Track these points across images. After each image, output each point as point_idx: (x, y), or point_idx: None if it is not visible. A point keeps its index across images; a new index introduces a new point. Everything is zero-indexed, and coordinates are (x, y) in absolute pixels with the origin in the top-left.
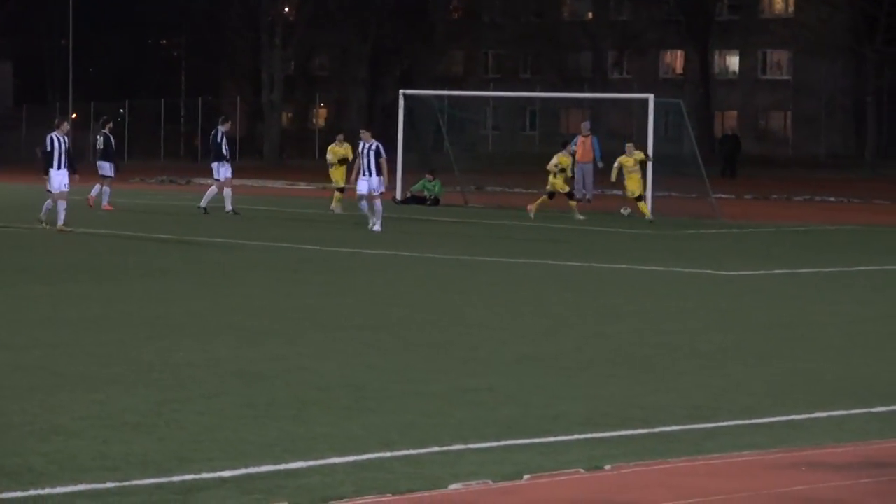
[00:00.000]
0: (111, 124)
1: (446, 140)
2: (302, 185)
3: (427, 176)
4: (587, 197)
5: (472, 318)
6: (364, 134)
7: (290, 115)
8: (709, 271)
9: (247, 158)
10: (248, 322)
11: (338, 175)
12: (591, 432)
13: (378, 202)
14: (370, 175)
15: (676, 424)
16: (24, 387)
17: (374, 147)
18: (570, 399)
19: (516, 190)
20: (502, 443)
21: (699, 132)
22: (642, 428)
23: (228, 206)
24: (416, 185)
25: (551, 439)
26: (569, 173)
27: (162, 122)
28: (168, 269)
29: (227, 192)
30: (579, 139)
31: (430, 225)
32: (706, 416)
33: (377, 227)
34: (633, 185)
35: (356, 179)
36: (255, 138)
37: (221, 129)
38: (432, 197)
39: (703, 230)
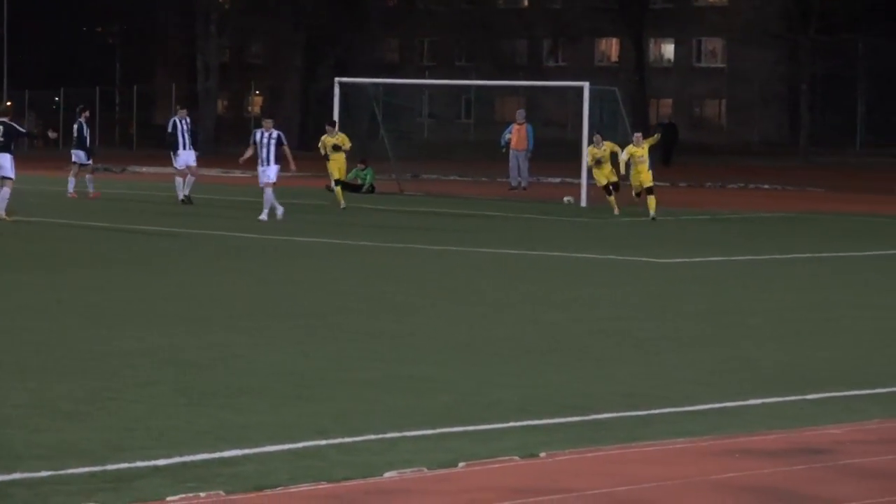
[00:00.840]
0: (87, 113)
1: (382, 128)
2: (237, 174)
3: (359, 164)
4: (522, 185)
5: (407, 305)
6: (266, 122)
7: (225, 103)
8: (644, 259)
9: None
10: (183, 310)
11: (333, 167)
12: (526, 420)
13: (269, 191)
14: (268, 164)
15: (611, 412)
16: None
17: (275, 136)
18: (504, 386)
19: (452, 177)
20: (437, 430)
21: (634, 120)
22: (577, 415)
23: (182, 194)
24: (349, 174)
25: (486, 427)
26: (606, 162)
27: (97, 110)
28: (102, 257)
29: (179, 180)
30: (514, 127)
31: (365, 213)
32: (640, 403)
33: (263, 217)
34: (643, 178)
35: (245, 160)
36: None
37: (175, 118)
38: (366, 185)
39: (638, 217)
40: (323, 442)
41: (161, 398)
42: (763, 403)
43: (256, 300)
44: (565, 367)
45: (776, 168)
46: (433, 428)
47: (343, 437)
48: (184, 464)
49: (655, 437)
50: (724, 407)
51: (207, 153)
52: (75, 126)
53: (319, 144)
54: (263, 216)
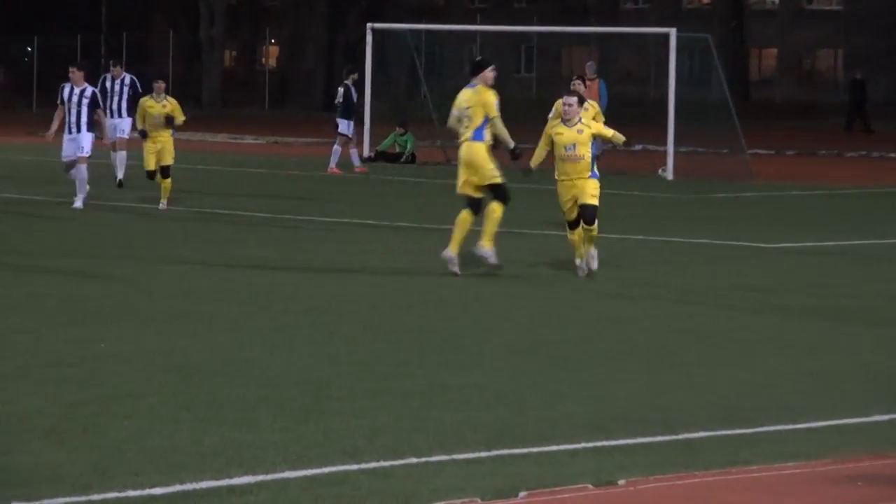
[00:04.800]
0: (356, 75)
1: (423, 84)
2: (248, 140)
3: (397, 129)
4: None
5: (454, 300)
6: (75, 74)
7: (233, 54)
8: (743, 243)
9: (182, 107)
10: (183, 305)
11: (151, 151)
12: (601, 439)
13: (84, 167)
14: (79, 131)
15: (704, 430)
16: None
17: (88, 93)
18: (574, 398)
19: None
20: (493, 452)
21: (731, 74)
22: (663, 434)
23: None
24: (386, 141)
25: (553, 448)
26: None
27: (78, 63)
28: (84, 239)
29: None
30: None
31: (404, 187)
32: (741, 419)
33: (78, 204)
34: (579, 186)
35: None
36: (191, 83)
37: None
38: (406, 154)
39: (735, 193)
40: (354, 466)
41: (157, 412)
42: (891, 420)
43: (272, 292)
44: (648, 375)
45: None
46: (488, 449)
47: (378, 460)
48: (185, 493)
49: (760, 461)
50: (844, 424)
51: (212, 115)
52: (340, 89)
53: (137, 113)
54: (79, 203)
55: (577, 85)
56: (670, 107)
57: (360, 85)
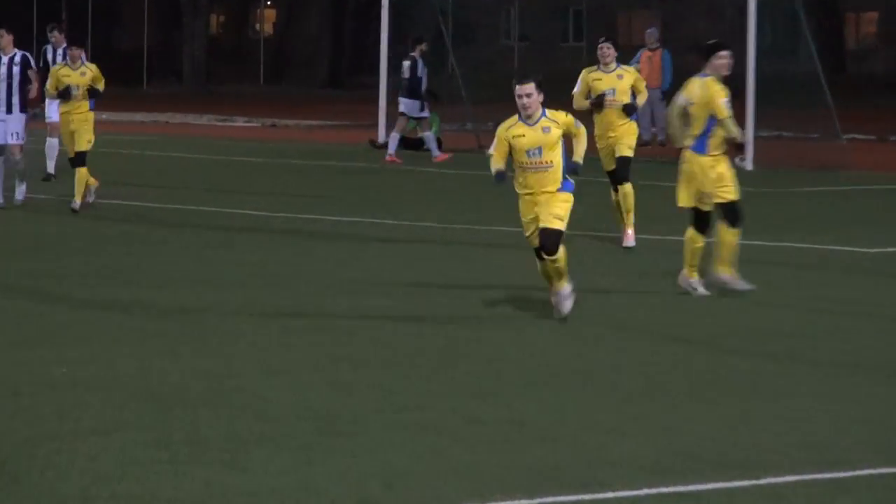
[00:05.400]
0: (424, 45)
1: (451, 55)
2: (239, 122)
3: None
4: (658, 138)
5: (486, 315)
6: (3, 38)
7: (221, 19)
8: (835, 247)
9: (160, 83)
10: (161, 322)
11: (68, 129)
12: (667, 484)
13: (20, 158)
14: (9, 111)
15: (791, 473)
16: None
17: (18, 59)
18: (633, 435)
19: None
20: (536, 500)
21: (822, 43)
22: (741, 478)
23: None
24: (407, 124)
25: (608, 495)
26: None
27: (34, 27)
28: (44, 242)
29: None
30: (643, 54)
31: (426, 179)
32: (835, 460)
33: (20, 197)
34: (551, 206)
35: None
36: (171, 54)
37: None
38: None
39: (827, 187)
40: None
41: (129, 451)
42: None
43: (265, 303)
44: (722, 407)
45: None
46: (530, 496)
47: None
48: None
49: None
50: None
51: (195, 92)
52: (406, 63)
53: (48, 84)
54: (21, 195)
55: (606, 49)
56: (749, 83)
57: (426, 57)
